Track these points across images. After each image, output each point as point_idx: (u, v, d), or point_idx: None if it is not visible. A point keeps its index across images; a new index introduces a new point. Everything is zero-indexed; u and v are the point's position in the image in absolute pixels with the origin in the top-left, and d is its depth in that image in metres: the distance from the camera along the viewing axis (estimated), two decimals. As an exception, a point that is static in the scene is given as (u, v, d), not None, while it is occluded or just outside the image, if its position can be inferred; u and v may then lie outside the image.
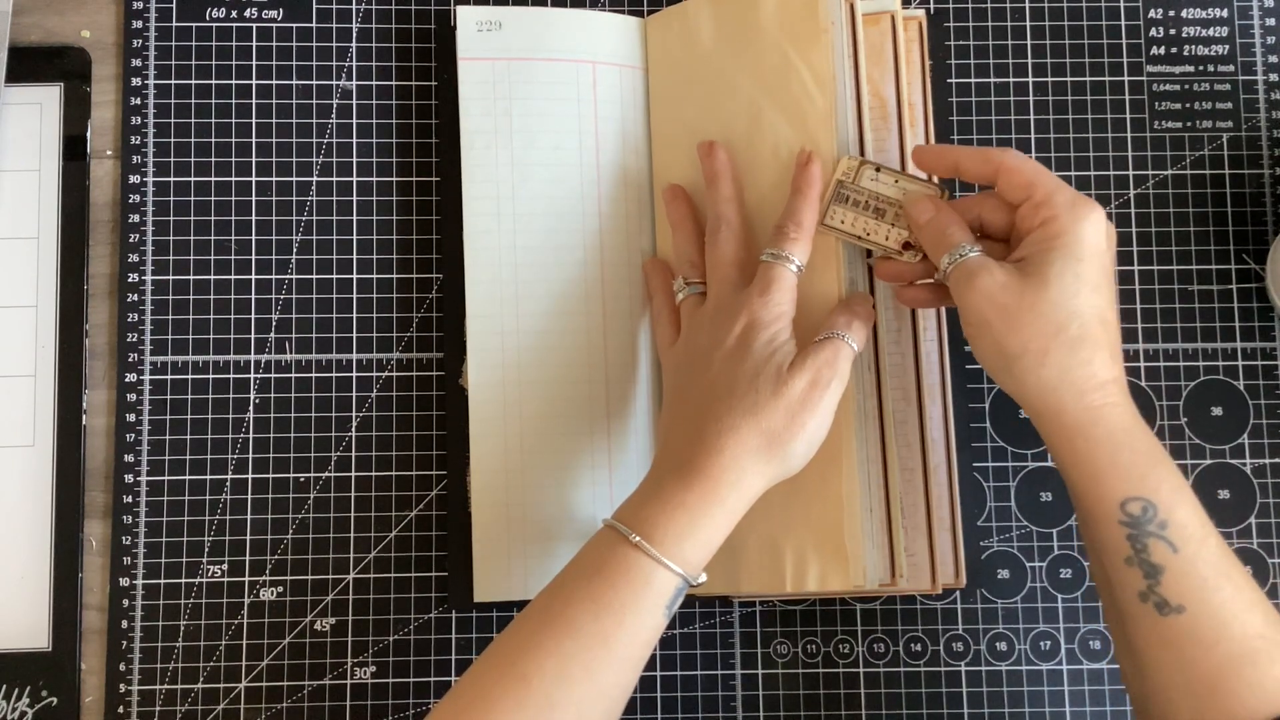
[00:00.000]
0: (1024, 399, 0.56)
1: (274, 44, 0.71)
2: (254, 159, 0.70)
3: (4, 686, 0.65)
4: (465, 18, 0.68)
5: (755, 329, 0.58)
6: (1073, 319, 0.54)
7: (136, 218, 0.69)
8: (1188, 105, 0.72)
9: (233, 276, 0.69)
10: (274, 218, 0.69)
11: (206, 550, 0.67)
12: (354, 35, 0.71)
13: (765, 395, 0.56)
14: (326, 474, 0.68)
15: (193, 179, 0.69)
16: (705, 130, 0.66)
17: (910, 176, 0.62)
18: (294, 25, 0.71)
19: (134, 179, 0.69)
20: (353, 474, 0.68)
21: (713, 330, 0.60)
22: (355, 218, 0.70)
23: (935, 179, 0.63)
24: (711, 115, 0.66)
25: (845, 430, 0.61)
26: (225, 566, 0.67)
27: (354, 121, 0.70)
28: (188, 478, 0.67)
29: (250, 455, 0.68)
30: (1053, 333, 0.54)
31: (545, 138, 0.67)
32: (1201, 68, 0.72)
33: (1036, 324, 0.55)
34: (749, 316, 0.59)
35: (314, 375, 0.68)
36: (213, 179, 0.69)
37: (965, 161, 0.60)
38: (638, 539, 0.54)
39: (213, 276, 0.69)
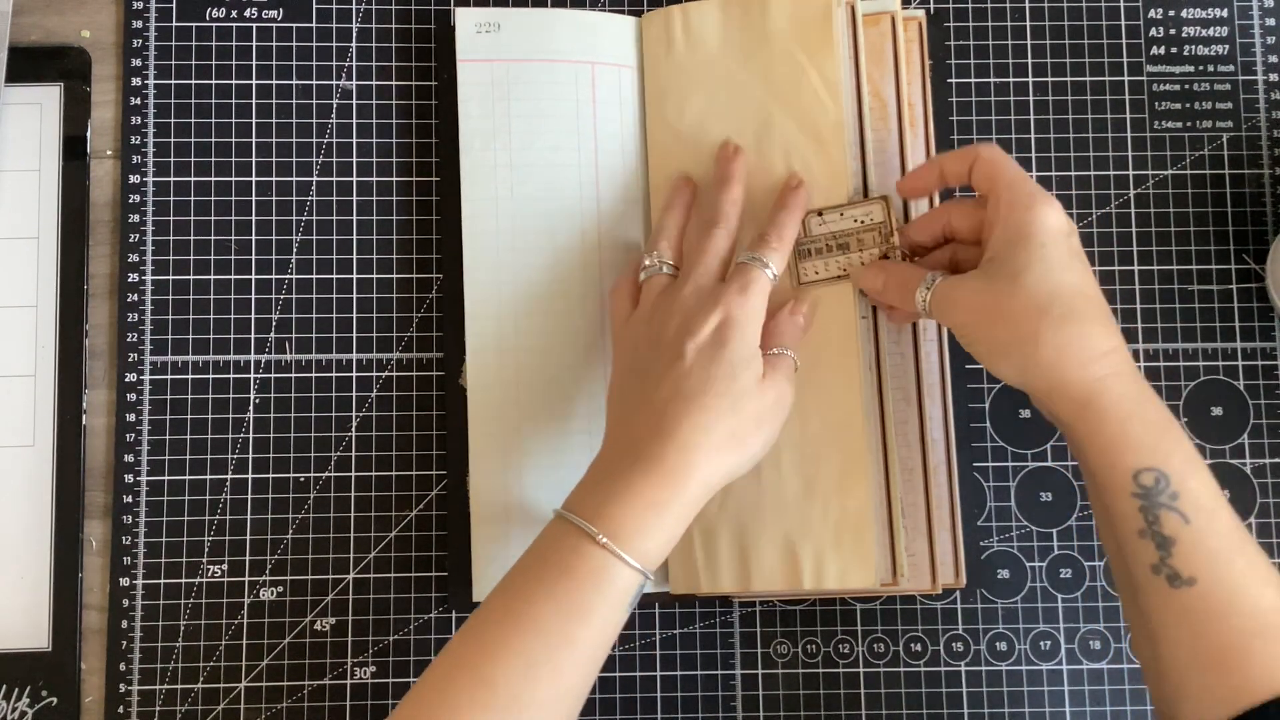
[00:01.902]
0: (1029, 384, 0.56)
1: (274, 44, 0.71)
2: (254, 159, 0.70)
3: (4, 686, 0.65)
4: (464, 20, 0.68)
5: (731, 326, 0.58)
6: (1053, 300, 0.55)
7: (136, 218, 0.69)
8: (1188, 105, 0.72)
9: (233, 276, 0.69)
10: (274, 218, 0.69)
11: (206, 550, 0.67)
12: (354, 35, 0.71)
13: (743, 399, 0.57)
14: (326, 474, 0.68)
15: (193, 179, 0.69)
16: (712, 133, 0.66)
17: (851, 203, 0.64)
18: (294, 25, 0.71)
19: (134, 179, 0.69)
20: (353, 474, 0.68)
21: (687, 318, 0.59)
22: (355, 218, 0.70)
23: (881, 194, 0.65)
24: (719, 119, 0.66)
25: (865, 430, 0.62)
26: (225, 566, 0.67)
27: (354, 121, 0.70)
28: (188, 478, 0.67)
29: (250, 455, 0.68)
30: (1037, 315, 0.55)
31: (544, 139, 0.67)
32: (1201, 68, 0.72)
33: (1019, 312, 0.55)
34: (725, 312, 0.59)
35: (314, 375, 0.68)
36: (213, 179, 0.69)
37: (947, 165, 0.61)
38: (605, 540, 0.54)
39: (213, 276, 0.69)
